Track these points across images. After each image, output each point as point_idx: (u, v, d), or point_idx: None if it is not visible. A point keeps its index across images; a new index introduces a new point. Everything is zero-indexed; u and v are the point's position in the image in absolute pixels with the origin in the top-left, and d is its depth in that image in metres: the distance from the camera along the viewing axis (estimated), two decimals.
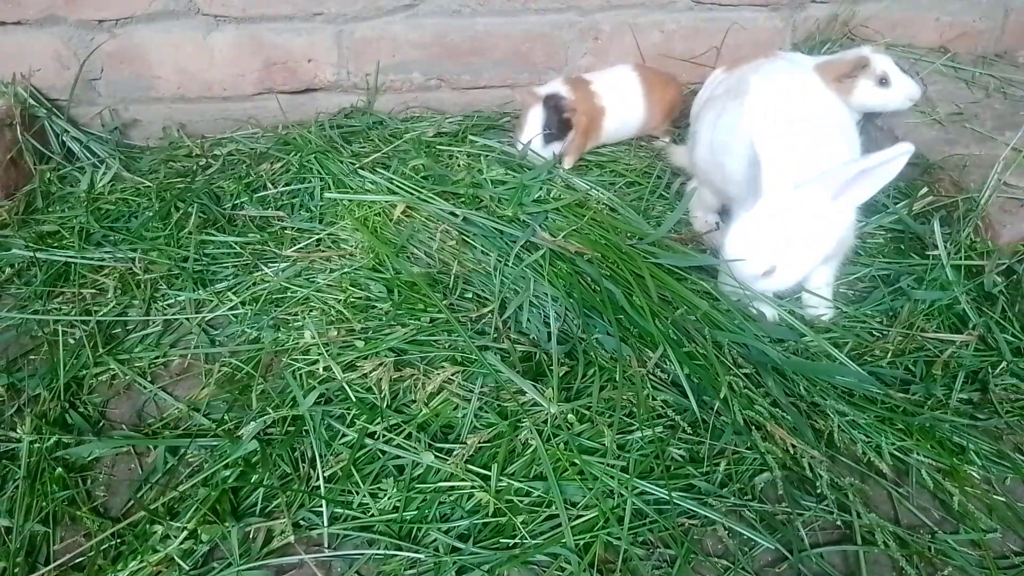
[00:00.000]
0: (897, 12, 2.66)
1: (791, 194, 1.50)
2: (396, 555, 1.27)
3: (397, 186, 2.08)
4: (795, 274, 1.58)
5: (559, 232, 1.88)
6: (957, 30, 2.70)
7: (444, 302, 1.71)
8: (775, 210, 1.51)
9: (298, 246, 1.99)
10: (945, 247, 1.81)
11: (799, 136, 1.59)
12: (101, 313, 1.83)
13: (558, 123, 2.26)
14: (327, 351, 1.62)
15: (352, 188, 2.10)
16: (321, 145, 2.31)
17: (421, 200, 2.02)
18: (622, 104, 2.43)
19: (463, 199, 2.05)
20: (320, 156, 2.24)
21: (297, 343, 1.69)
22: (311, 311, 1.78)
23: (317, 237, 2.01)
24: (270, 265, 1.94)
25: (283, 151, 2.36)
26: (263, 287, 1.88)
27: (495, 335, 1.64)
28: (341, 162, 2.22)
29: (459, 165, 2.28)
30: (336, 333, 1.67)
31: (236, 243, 2.03)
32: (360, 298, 1.79)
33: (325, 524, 1.32)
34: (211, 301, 1.87)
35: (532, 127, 2.26)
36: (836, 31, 2.66)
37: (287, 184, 2.21)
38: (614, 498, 1.32)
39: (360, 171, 2.17)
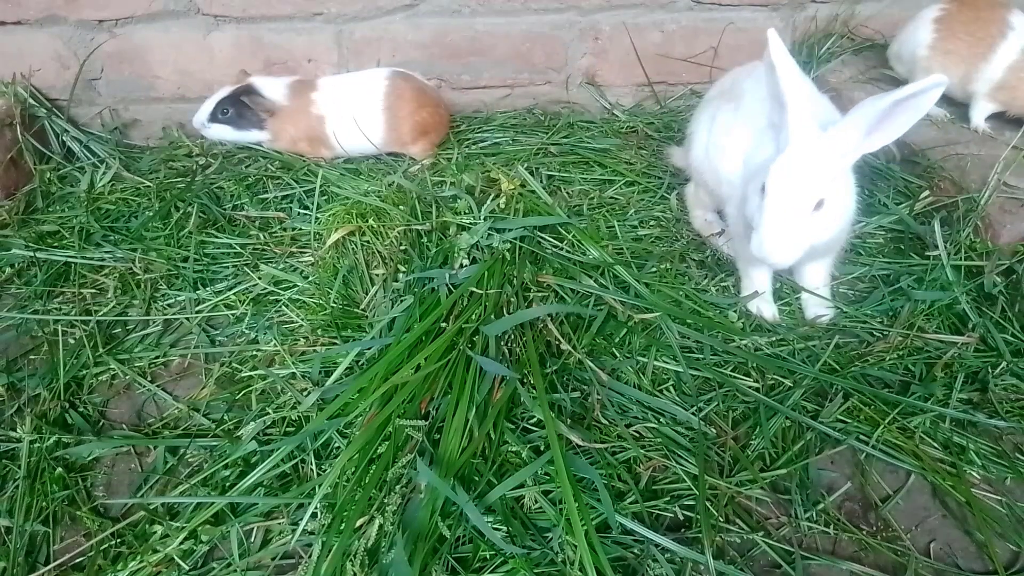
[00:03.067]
0: (897, 12, 2.66)
1: (819, 136, 1.48)
2: None
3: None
4: (840, 214, 1.55)
5: None
6: None
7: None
8: (812, 147, 1.48)
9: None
10: (945, 247, 1.81)
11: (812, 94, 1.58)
12: (101, 313, 1.83)
13: (239, 113, 2.31)
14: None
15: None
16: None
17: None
18: (349, 115, 2.29)
19: None
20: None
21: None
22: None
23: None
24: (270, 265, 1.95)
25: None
26: (261, 287, 1.88)
27: None
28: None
29: None
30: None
31: (236, 243, 2.03)
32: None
33: None
34: (210, 300, 1.87)
35: (207, 103, 2.32)
36: (836, 31, 2.66)
37: (284, 187, 2.22)
38: None
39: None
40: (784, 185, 1.46)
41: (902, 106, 1.44)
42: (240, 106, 2.30)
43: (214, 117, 2.32)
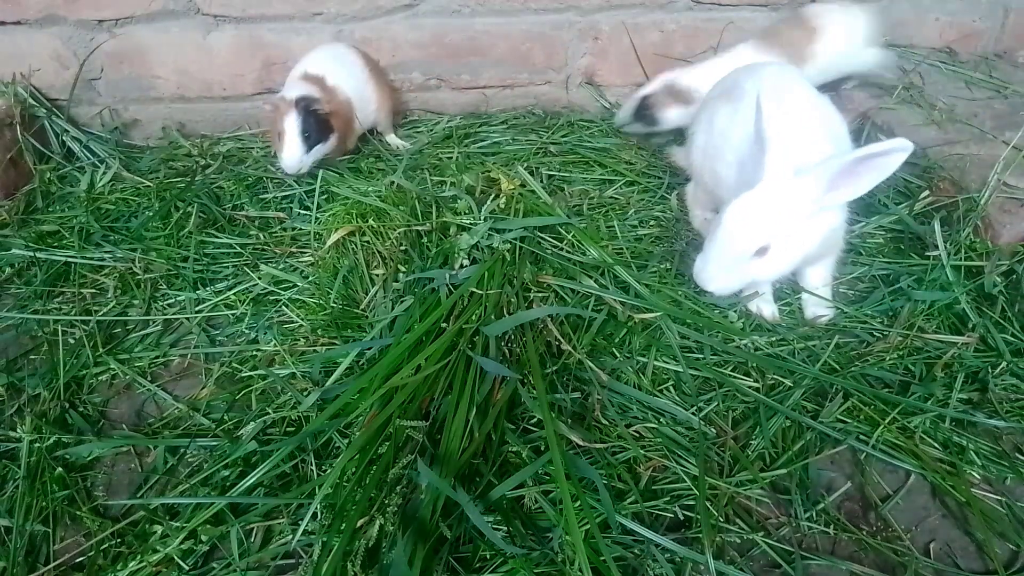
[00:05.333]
0: (897, 12, 2.66)
1: (791, 180, 1.50)
2: None
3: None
4: (784, 261, 1.57)
5: None
6: (957, 30, 2.70)
7: None
8: (776, 192, 1.50)
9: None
10: (945, 247, 1.81)
11: (798, 128, 1.59)
12: (101, 313, 1.83)
13: (316, 125, 2.12)
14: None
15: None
16: None
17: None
18: (360, 90, 2.33)
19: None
20: None
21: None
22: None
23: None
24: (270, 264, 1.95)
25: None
26: (261, 287, 1.88)
27: None
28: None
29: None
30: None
31: (236, 243, 2.03)
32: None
33: None
34: (210, 300, 1.87)
35: (291, 136, 2.08)
36: None
37: (284, 186, 2.22)
38: None
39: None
40: (732, 226, 1.52)
41: (867, 164, 1.46)
42: (310, 116, 2.17)
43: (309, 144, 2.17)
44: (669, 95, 2.35)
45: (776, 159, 1.50)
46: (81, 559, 1.31)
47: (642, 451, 1.43)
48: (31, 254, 1.99)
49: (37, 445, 1.48)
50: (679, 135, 2.39)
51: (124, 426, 1.59)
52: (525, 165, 2.31)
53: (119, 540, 1.34)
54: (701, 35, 2.63)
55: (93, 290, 1.92)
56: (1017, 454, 1.48)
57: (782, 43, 2.28)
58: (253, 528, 1.34)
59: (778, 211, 1.50)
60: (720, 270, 1.56)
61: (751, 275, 1.58)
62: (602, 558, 1.19)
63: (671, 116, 2.37)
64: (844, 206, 1.63)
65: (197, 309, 1.86)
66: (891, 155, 1.44)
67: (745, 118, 1.74)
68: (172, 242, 2.02)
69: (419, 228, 1.88)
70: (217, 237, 2.05)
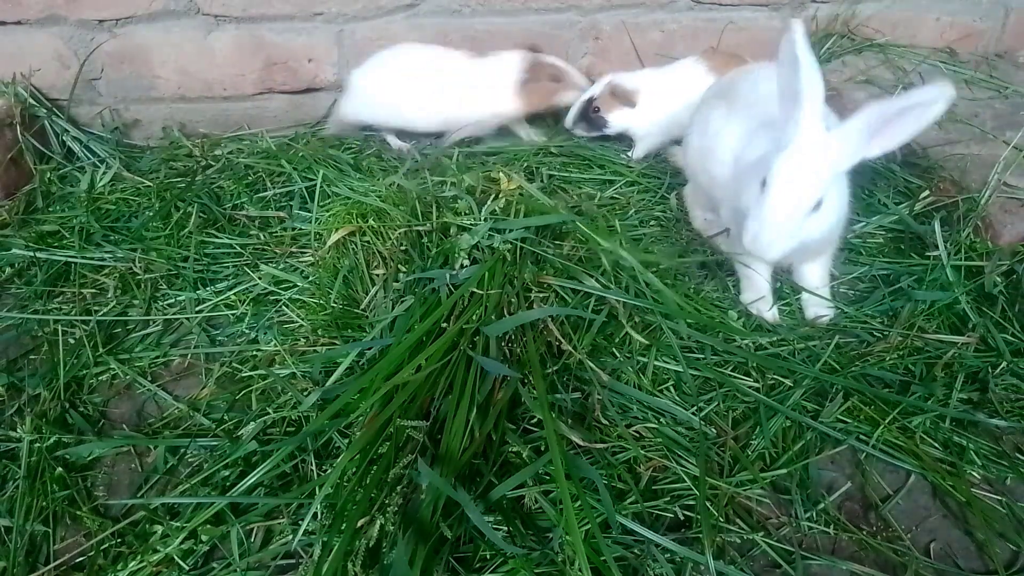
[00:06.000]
0: (897, 12, 2.66)
1: (825, 137, 1.47)
2: None
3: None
4: (833, 215, 1.55)
5: None
6: (957, 30, 2.70)
7: None
8: (820, 144, 1.47)
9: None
10: (945, 247, 1.81)
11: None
12: (101, 313, 1.83)
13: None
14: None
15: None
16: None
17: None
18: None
19: None
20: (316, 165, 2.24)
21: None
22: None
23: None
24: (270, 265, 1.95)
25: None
26: (261, 287, 1.88)
27: None
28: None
29: None
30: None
31: (236, 243, 2.03)
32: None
33: None
34: (211, 300, 1.87)
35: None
36: (836, 31, 2.66)
37: (284, 185, 2.22)
38: None
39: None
40: (788, 181, 1.46)
41: (907, 114, 1.43)
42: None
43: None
44: (614, 96, 2.35)
45: (814, 111, 1.46)
46: (81, 559, 1.31)
47: (642, 451, 1.43)
48: (31, 254, 1.99)
49: (37, 445, 1.48)
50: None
51: (124, 426, 1.59)
52: (525, 165, 2.32)
53: (119, 540, 1.34)
54: (702, 35, 2.63)
55: (93, 290, 1.92)
56: (1017, 454, 1.48)
57: (716, 64, 2.34)
58: (253, 528, 1.34)
59: (826, 161, 1.47)
60: (778, 233, 1.48)
61: (806, 233, 1.51)
62: (602, 558, 1.19)
63: (616, 119, 2.38)
64: (846, 188, 1.60)
65: (197, 309, 1.86)
66: (932, 104, 1.41)
67: (740, 116, 1.75)
68: (172, 242, 2.02)
69: (420, 228, 1.88)
70: (217, 237, 2.05)
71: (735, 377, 1.60)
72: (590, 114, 2.39)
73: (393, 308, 1.71)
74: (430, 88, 2.39)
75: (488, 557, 1.26)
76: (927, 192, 1.99)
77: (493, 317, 1.61)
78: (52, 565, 1.30)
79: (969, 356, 1.62)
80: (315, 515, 1.31)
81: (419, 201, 1.94)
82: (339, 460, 1.35)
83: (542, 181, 2.23)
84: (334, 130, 2.56)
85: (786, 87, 1.53)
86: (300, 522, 1.31)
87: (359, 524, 1.25)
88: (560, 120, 2.53)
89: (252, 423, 1.50)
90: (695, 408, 1.53)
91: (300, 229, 2.08)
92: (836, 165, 1.48)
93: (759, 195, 1.49)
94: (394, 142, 2.55)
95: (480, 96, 2.41)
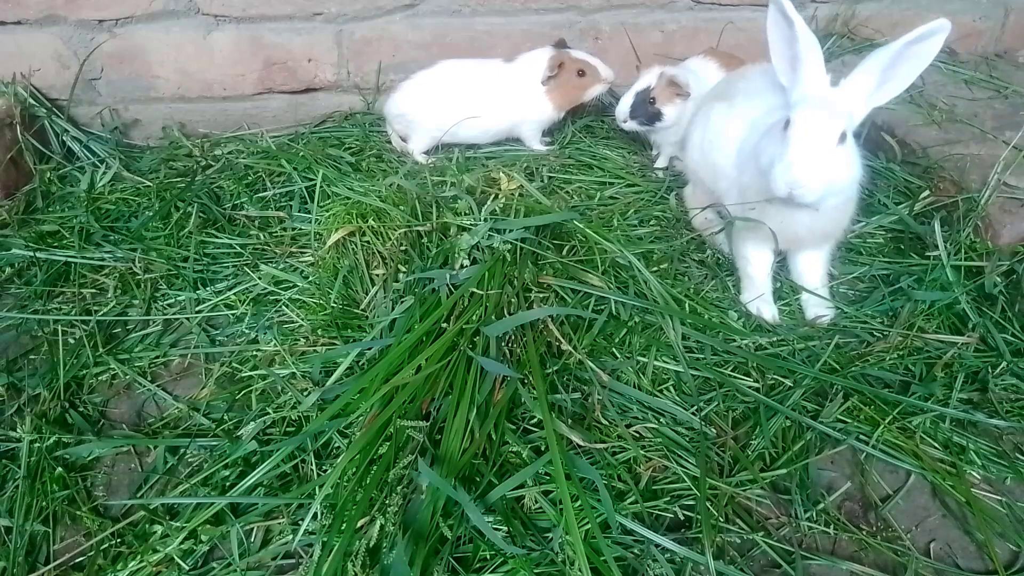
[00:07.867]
0: (897, 11, 2.66)
1: (830, 91, 1.54)
2: None
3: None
4: (856, 157, 1.58)
5: None
6: (957, 30, 2.68)
7: None
8: (824, 90, 1.53)
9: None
10: (945, 247, 1.81)
11: None
12: (101, 313, 1.83)
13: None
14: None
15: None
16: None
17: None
18: None
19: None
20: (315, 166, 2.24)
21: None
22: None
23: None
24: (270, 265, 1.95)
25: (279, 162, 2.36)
26: (261, 287, 1.88)
27: None
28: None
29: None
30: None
31: (236, 243, 2.03)
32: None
33: None
34: (210, 300, 1.87)
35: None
36: (836, 31, 2.66)
37: (284, 184, 2.22)
38: None
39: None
40: (811, 115, 1.50)
41: (910, 53, 1.48)
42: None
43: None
44: (670, 88, 2.23)
45: (817, 62, 1.53)
46: (81, 559, 1.31)
47: (642, 451, 1.43)
48: (31, 254, 1.99)
49: (37, 445, 1.48)
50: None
51: (124, 426, 1.59)
52: (525, 165, 2.32)
53: (119, 540, 1.33)
54: (702, 35, 2.63)
55: (93, 290, 1.92)
56: (1017, 454, 1.49)
57: (725, 63, 2.32)
58: (253, 528, 1.34)
59: (842, 100, 1.53)
60: (810, 163, 1.47)
61: (836, 170, 1.51)
62: (602, 558, 1.19)
63: (671, 111, 2.25)
64: (858, 157, 1.60)
65: (197, 309, 1.86)
66: (931, 38, 1.47)
67: (742, 108, 1.79)
68: (172, 242, 2.02)
69: (419, 228, 1.88)
70: (217, 237, 2.05)
71: (735, 377, 1.60)
72: (647, 107, 2.26)
73: (393, 308, 1.71)
74: (476, 103, 2.38)
75: (488, 557, 1.26)
76: (927, 192, 1.99)
77: (493, 317, 1.61)
78: (52, 565, 1.30)
79: (969, 356, 1.62)
80: (315, 515, 1.31)
81: (419, 201, 1.94)
82: (339, 460, 1.35)
83: (542, 181, 2.23)
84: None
85: (784, 54, 1.58)
86: (300, 522, 1.31)
87: (359, 524, 1.25)
88: (565, 124, 2.54)
89: (252, 423, 1.50)
90: (695, 408, 1.53)
91: (300, 229, 2.08)
92: (851, 109, 1.53)
93: (781, 143, 1.51)
94: (397, 143, 2.55)
95: (518, 100, 2.41)
